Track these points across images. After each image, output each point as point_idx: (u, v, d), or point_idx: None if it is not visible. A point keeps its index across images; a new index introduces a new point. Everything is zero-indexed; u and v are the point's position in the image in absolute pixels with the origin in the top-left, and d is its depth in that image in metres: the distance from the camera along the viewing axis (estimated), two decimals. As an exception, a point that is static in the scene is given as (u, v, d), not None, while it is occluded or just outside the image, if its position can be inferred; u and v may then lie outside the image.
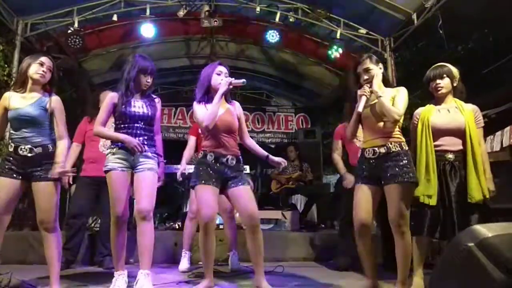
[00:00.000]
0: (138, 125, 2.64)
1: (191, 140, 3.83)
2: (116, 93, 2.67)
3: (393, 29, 5.40)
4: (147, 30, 5.40)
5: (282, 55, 6.84)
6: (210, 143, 2.65)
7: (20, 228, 4.40)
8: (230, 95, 2.82)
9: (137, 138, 2.60)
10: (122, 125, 2.65)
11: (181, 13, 5.31)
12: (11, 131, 2.57)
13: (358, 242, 2.47)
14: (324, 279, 3.10)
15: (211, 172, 2.58)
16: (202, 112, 2.60)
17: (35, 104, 2.50)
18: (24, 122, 2.49)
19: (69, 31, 5.15)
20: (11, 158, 2.47)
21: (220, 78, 2.66)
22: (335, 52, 5.64)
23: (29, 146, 2.47)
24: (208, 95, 2.68)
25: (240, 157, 2.71)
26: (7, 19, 4.86)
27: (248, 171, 4.84)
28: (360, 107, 2.46)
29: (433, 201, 2.50)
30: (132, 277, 2.63)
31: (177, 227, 4.70)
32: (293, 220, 5.16)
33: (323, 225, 5.79)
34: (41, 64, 2.54)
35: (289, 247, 4.36)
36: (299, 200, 6.46)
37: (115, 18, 5.21)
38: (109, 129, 2.84)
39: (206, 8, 5.33)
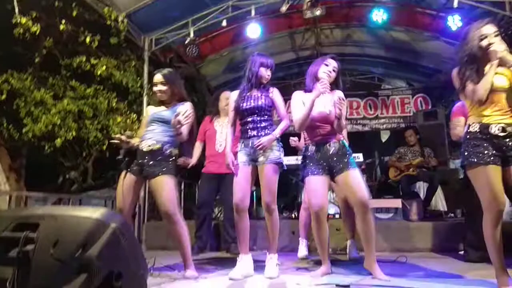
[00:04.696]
0: (251, 119, 2.86)
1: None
2: (237, 91, 2.94)
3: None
4: (253, 30, 5.64)
5: (393, 33, 6.41)
6: (309, 134, 2.82)
7: (159, 218, 5.06)
8: (338, 84, 2.85)
9: (250, 131, 2.84)
10: (239, 121, 2.95)
11: (283, 8, 5.37)
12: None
13: (493, 232, 2.17)
14: (450, 271, 2.86)
15: (316, 162, 2.71)
16: (298, 111, 2.72)
17: (170, 111, 2.84)
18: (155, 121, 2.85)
19: (186, 42, 5.69)
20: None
21: (327, 69, 2.77)
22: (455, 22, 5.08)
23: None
24: (313, 85, 2.78)
25: (344, 141, 2.77)
26: (135, 37, 5.61)
27: (361, 159, 4.72)
28: None
29: None
30: (256, 261, 2.88)
31: (294, 216, 4.85)
32: (416, 209, 4.84)
33: (452, 214, 5.31)
34: (155, 84, 2.88)
35: (413, 237, 4.13)
36: (421, 188, 6.00)
37: (224, 23, 5.56)
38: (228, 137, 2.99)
39: (308, -2, 5.29)
